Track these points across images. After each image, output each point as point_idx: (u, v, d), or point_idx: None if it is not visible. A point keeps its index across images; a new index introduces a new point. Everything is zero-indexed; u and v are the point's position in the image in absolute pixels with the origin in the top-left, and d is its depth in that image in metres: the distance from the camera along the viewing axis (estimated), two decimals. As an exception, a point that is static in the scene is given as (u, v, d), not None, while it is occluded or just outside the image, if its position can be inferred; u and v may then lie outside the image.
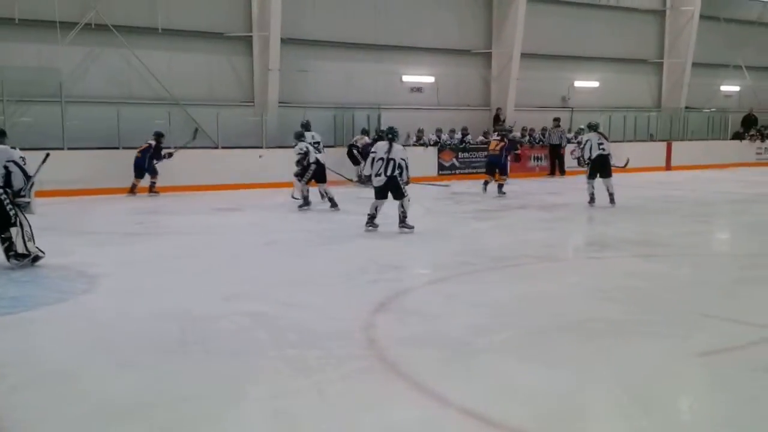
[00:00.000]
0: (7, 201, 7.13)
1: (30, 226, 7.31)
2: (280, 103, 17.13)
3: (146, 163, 14.43)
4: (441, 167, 18.35)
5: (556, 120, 19.83)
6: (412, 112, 19.21)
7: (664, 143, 22.24)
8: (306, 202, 12.22)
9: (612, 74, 22.74)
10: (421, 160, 17.65)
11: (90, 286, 6.54)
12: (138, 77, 15.84)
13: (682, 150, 22.29)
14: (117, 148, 14.77)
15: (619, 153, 13.17)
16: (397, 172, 9.37)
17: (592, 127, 12.70)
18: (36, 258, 7.30)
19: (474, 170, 18.42)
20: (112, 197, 14.05)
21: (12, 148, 7.33)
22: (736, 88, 25.52)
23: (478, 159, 18.50)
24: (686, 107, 23.58)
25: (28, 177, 7.25)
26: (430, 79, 19.85)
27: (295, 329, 5.20)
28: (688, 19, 22.92)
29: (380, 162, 9.39)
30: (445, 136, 18.96)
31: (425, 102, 19.82)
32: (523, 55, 20.25)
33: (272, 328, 5.24)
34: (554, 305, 5.92)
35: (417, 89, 19.78)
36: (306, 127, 14.17)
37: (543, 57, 21.23)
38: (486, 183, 14.56)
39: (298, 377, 4.29)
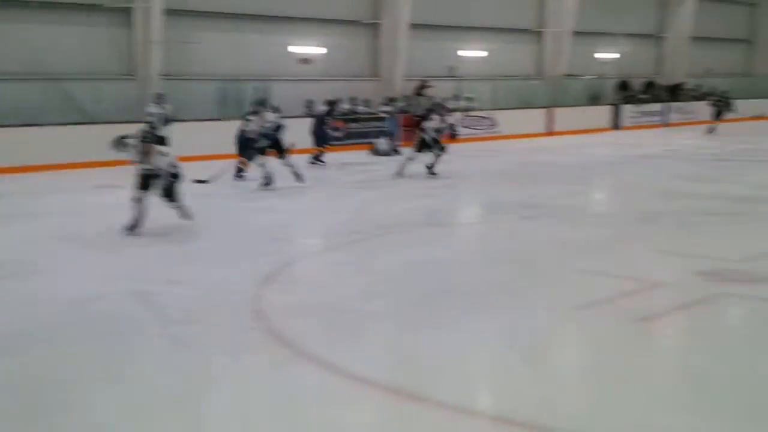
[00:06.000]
0: None
1: None
2: (163, 76, 16.52)
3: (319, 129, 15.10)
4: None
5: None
6: (302, 83, 18.97)
7: (545, 110, 22.99)
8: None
9: (497, 44, 23.19)
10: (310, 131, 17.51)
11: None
12: (7, 51, 14.85)
13: (563, 116, 23.12)
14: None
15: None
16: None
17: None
18: None
19: (363, 140, 18.48)
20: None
21: None
22: (615, 56, 26.62)
23: (367, 129, 18.55)
24: (567, 75, 24.42)
25: None
26: (321, 50, 19.63)
27: (179, 306, 5.09)
28: (567, -12, 23.63)
29: None
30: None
31: (315, 73, 19.60)
32: (411, 26, 20.34)
33: (155, 306, 5.11)
34: (440, 269, 6.06)
35: (306, 60, 19.54)
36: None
37: (431, 27, 21.39)
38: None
39: (183, 354, 4.22)
